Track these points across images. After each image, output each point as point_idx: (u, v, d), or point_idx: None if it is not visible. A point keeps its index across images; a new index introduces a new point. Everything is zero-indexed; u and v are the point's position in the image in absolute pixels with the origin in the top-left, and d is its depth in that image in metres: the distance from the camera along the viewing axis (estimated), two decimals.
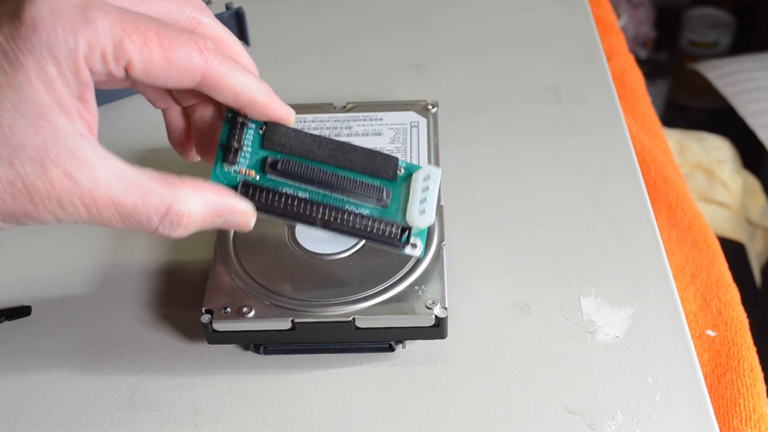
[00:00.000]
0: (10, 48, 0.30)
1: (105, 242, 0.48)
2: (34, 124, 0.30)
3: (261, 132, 0.38)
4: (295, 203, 0.37)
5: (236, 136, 0.37)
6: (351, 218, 0.38)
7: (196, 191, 0.34)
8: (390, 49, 0.63)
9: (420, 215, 0.39)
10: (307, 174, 0.37)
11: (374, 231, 0.38)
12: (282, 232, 0.43)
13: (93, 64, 0.31)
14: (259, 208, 0.37)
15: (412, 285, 0.40)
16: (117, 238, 0.48)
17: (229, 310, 0.39)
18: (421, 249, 0.39)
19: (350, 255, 0.42)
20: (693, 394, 0.39)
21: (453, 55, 0.62)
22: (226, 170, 0.37)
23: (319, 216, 0.37)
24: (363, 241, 0.42)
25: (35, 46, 0.30)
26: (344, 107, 0.50)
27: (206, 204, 0.34)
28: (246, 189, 0.37)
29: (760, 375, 0.51)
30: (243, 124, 0.37)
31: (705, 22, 1.55)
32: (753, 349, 0.52)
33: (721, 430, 0.41)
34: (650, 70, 1.45)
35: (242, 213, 0.36)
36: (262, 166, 0.37)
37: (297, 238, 0.43)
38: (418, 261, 0.41)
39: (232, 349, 0.42)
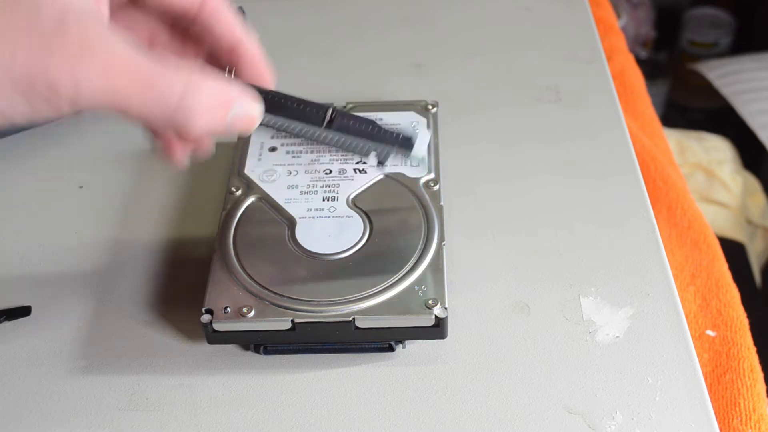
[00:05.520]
0: None
1: (105, 242, 0.48)
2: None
3: None
4: (301, 105, 0.38)
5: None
6: (356, 120, 0.38)
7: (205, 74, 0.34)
8: (390, 49, 0.63)
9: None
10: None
11: (380, 131, 0.39)
12: (282, 231, 0.43)
13: None
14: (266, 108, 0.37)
15: (412, 285, 0.40)
16: (117, 238, 0.48)
17: (229, 310, 0.39)
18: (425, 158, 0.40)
19: (350, 255, 0.42)
20: (693, 394, 0.39)
21: (453, 55, 0.62)
22: None
23: (327, 113, 0.38)
24: (363, 241, 0.42)
25: None
26: (344, 107, 0.50)
27: (217, 88, 0.34)
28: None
29: (760, 375, 0.51)
30: None
31: (705, 22, 1.55)
32: (753, 349, 0.52)
33: (721, 430, 0.41)
34: (650, 70, 1.45)
35: (250, 103, 0.35)
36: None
37: (297, 238, 0.43)
38: (418, 261, 0.41)
39: (232, 349, 0.42)
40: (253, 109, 0.35)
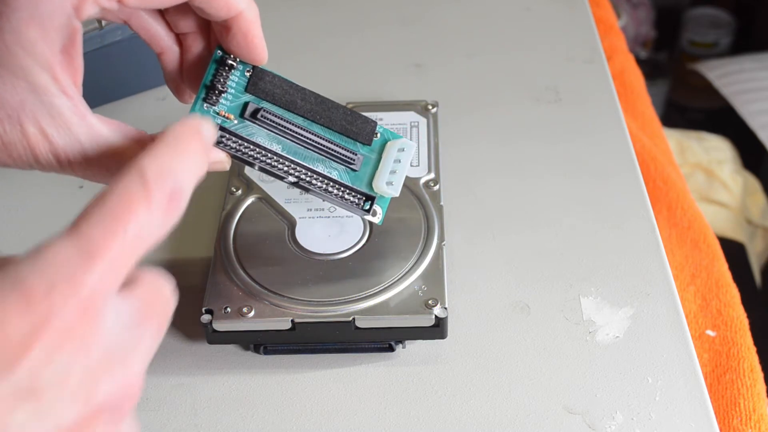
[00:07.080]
0: None
1: None
2: (12, 85, 0.30)
3: (247, 75, 0.37)
4: (268, 156, 0.37)
5: (222, 77, 0.37)
6: (320, 182, 0.38)
7: None
8: (390, 49, 0.63)
9: (386, 186, 0.39)
10: (285, 130, 0.38)
11: (341, 197, 0.38)
12: (282, 231, 0.43)
13: (85, 12, 0.31)
14: (233, 155, 0.37)
15: (412, 285, 0.40)
16: None
17: (229, 310, 0.39)
18: (381, 217, 0.39)
19: (350, 255, 0.42)
20: (693, 394, 0.39)
21: (453, 55, 0.62)
22: (205, 109, 0.37)
23: (290, 173, 0.38)
24: (363, 241, 0.43)
25: (14, 11, 0.30)
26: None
27: None
28: (222, 135, 0.36)
29: (760, 375, 0.51)
30: (231, 66, 0.37)
31: (705, 22, 1.55)
32: (753, 349, 0.52)
33: (721, 430, 0.41)
34: (650, 70, 1.45)
35: (216, 163, 0.36)
36: (242, 111, 0.37)
37: (297, 238, 0.43)
38: (418, 261, 0.41)
39: (232, 349, 0.42)
40: (219, 166, 0.36)
